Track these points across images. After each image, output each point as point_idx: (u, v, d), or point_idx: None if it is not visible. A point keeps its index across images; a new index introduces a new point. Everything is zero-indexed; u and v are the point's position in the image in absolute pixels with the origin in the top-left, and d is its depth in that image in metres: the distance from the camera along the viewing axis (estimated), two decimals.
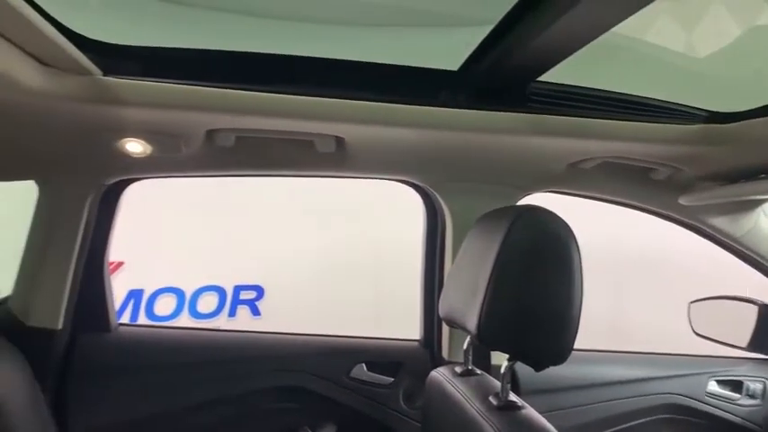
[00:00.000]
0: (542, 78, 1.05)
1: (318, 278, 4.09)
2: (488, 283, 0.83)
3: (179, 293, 3.80)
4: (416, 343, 1.58)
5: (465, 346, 1.11)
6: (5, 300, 1.35)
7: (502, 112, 1.11)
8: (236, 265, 3.99)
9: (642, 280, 3.82)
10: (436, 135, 1.17)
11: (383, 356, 1.54)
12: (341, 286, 4.02)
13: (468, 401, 0.95)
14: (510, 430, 0.83)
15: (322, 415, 1.49)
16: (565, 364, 0.82)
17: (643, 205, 1.56)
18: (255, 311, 3.89)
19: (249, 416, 1.46)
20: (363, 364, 1.52)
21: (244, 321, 3.73)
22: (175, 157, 1.21)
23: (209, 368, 1.43)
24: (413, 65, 1.10)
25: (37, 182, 1.30)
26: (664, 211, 1.56)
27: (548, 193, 1.51)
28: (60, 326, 1.31)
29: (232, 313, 3.82)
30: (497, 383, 0.95)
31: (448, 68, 1.10)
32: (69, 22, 0.87)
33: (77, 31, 0.90)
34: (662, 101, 1.20)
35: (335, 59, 1.08)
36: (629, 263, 3.83)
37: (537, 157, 1.31)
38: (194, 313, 3.72)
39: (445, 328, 1.48)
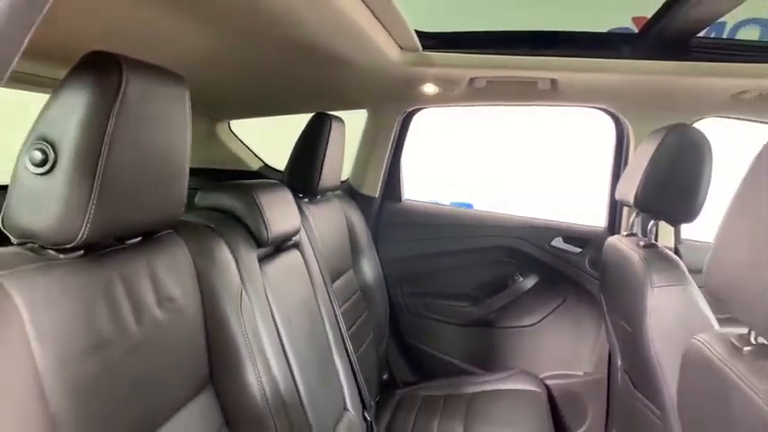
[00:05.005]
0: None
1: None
2: (647, 165, 1.39)
3: None
4: (602, 228, 2.17)
5: (631, 218, 1.69)
6: (348, 179, 2.35)
7: (671, 61, 1.61)
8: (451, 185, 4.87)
9: None
10: (627, 78, 1.71)
11: (576, 234, 2.18)
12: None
13: (626, 246, 1.54)
14: (647, 256, 1.35)
15: (529, 268, 2.21)
16: None
17: None
18: None
19: (481, 262, 2.27)
20: (560, 238, 2.18)
21: None
22: (449, 94, 1.98)
23: (459, 229, 2.26)
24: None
25: (368, 110, 2.23)
26: None
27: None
28: (377, 195, 2.26)
29: None
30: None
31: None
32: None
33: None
34: None
35: (556, 31, 1.70)
36: None
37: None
38: None
39: (625, 215, 2.04)
